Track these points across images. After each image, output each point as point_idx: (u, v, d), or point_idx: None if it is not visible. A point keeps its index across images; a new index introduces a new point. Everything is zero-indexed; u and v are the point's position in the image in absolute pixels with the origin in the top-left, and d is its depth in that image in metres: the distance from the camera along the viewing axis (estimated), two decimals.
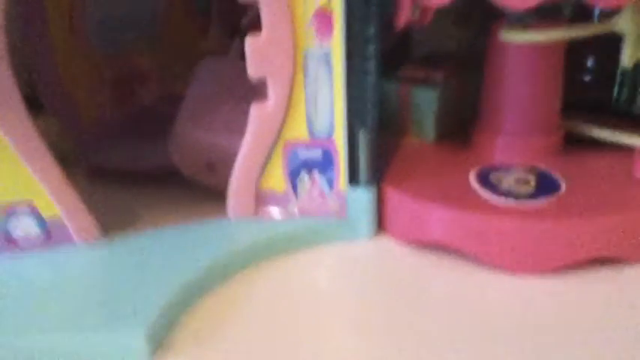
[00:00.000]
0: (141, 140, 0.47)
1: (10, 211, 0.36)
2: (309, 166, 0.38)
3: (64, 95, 0.44)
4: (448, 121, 0.46)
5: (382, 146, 0.43)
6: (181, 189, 0.43)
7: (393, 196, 0.39)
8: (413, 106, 0.45)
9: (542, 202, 0.36)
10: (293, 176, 0.39)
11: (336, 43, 0.34)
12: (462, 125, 0.45)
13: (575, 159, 0.42)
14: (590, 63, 0.49)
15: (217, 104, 0.41)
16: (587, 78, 0.49)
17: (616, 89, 0.49)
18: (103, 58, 0.48)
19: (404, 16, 0.35)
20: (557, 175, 0.39)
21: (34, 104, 0.44)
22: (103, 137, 0.47)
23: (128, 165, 0.45)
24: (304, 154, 0.38)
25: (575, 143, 0.43)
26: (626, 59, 0.35)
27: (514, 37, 0.37)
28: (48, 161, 0.34)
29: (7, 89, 0.32)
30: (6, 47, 0.31)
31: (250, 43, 0.34)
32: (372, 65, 0.35)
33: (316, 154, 0.38)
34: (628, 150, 0.40)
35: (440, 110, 0.44)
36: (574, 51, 0.41)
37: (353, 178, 0.38)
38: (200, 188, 0.42)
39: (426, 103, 0.44)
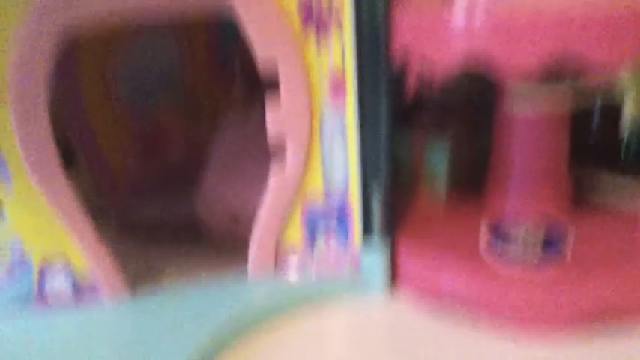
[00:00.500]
0: (168, 195, 0.49)
1: (44, 267, 0.38)
2: (325, 221, 0.40)
3: (96, 151, 0.47)
4: (460, 175, 0.47)
5: (396, 200, 0.45)
6: (206, 243, 0.45)
7: (406, 251, 0.40)
8: (425, 160, 0.47)
9: (550, 260, 0.37)
10: (310, 231, 0.40)
11: (350, 108, 0.37)
12: (474, 179, 0.46)
13: (584, 213, 0.43)
14: (595, 119, 0.50)
15: (241, 159, 0.43)
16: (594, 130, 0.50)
17: (624, 142, 0.50)
18: (133, 115, 0.51)
19: (413, 79, 0.37)
20: (565, 231, 0.40)
21: (69, 159, 0.47)
22: (133, 192, 0.50)
23: (156, 220, 0.48)
24: (321, 212, 0.40)
25: (584, 197, 0.44)
26: (627, 115, 0.37)
27: (519, 109, 0.39)
28: (81, 217, 0.37)
29: (44, 145, 0.34)
30: (46, 107, 0.34)
31: (270, 109, 0.36)
32: (383, 126, 0.37)
33: (332, 210, 0.40)
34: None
35: (452, 165, 0.46)
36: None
37: (367, 234, 0.40)
38: (223, 242, 0.44)
39: (438, 157, 0.46)
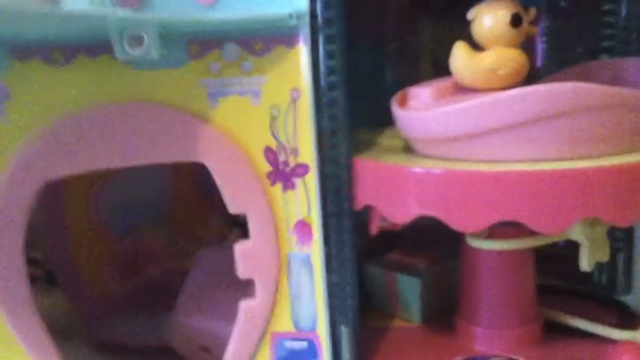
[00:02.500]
0: (144, 314, 0.50)
1: None
2: (295, 356, 0.41)
3: (73, 271, 0.49)
4: (434, 303, 0.48)
5: (368, 328, 0.46)
6: None
7: None
8: (398, 291, 0.48)
9: None
10: None
11: (315, 248, 0.39)
12: (449, 306, 0.47)
13: (555, 349, 0.43)
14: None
15: (213, 292, 0.44)
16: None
17: (595, 275, 0.51)
18: (112, 236, 0.52)
19: (375, 225, 0.39)
20: None
21: (51, 280, 0.48)
22: (108, 311, 0.51)
23: (130, 340, 0.48)
24: (290, 345, 0.40)
25: (555, 330, 0.44)
26: (585, 264, 0.38)
27: (480, 245, 0.41)
28: (51, 352, 0.37)
29: (18, 285, 0.36)
30: (22, 252, 0.36)
31: (239, 248, 0.38)
32: (349, 266, 0.39)
33: (302, 345, 0.40)
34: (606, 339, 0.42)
35: (424, 296, 0.47)
36: None
37: None
38: None
39: (410, 290, 0.47)
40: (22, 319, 0.36)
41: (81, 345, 0.45)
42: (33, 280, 0.51)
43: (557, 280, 0.52)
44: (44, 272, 0.51)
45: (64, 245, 0.48)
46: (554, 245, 0.48)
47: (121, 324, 0.50)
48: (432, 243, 0.50)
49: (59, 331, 0.40)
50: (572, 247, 0.39)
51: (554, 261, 0.49)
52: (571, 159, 0.35)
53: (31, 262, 0.51)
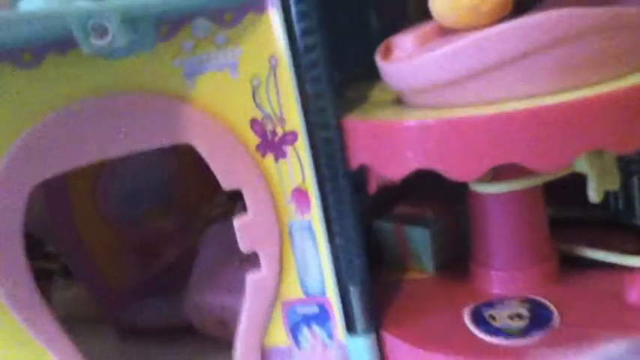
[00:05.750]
0: (164, 297, 0.51)
1: None
2: (308, 320, 0.41)
3: (88, 263, 0.49)
4: (447, 252, 0.48)
5: (382, 283, 0.46)
6: (200, 341, 0.47)
7: (392, 341, 0.41)
8: (409, 244, 0.47)
9: (534, 339, 0.37)
10: (294, 331, 0.41)
11: (315, 214, 0.38)
12: (462, 253, 0.47)
13: (570, 283, 0.42)
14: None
15: (224, 265, 0.45)
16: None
17: (612, 202, 0.50)
18: (124, 227, 0.53)
19: (373, 184, 0.38)
20: (550, 306, 0.40)
21: (68, 272, 0.49)
22: (128, 298, 0.52)
23: (153, 323, 0.49)
24: (302, 310, 0.41)
25: (572, 262, 0.43)
26: (593, 195, 0.37)
27: (484, 189, 0.40)
28: (63, 343, 0.38)
29: (22, 282, 0.36)
30: (21, 246, 0.36)
31: (239, 223, 0.38)
32: (352, 227, 0.39)
33: (313, 309, 0.41)
34: (624, 268, 0.41)
35: (435, 246, 0.46)
36: None
37: (351, 329, 0.41)
38: (216, 341, 0.45)
39: (420, 241, 0.46)
40: (31, 315, 0.37)
41: (106, 334, 0.46)
42: (50, 274, 0.52)
43: (573, 210, 0.51)
44: (60, 266, 0.52)
45: (77, 241, 0.49)
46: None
47: (142, 309, 0.51)
48: (440, 191, 0.49)
49: (82, 321, 0.41)
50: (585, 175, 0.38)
51: (569, 190, 0.48)
52: (566, 90, 0.33)
53: (46, 256, 0.53)
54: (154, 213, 0.55)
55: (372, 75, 0.42)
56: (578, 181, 0.41)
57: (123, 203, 0.53)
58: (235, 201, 0.47)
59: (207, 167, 0.38)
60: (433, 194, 0.49)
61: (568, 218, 0.50)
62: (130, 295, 0.52)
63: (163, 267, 0.55)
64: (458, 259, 0.47)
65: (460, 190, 0.44)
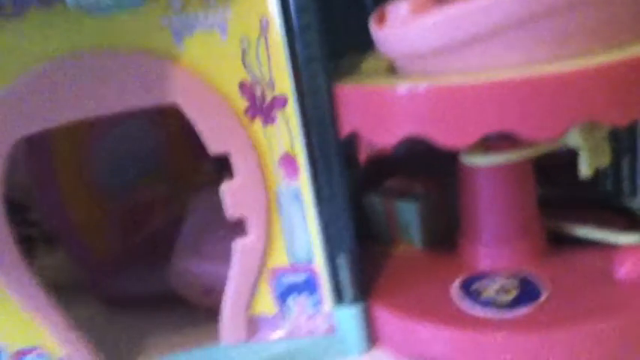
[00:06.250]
0: (149, 266, 0.50)
1: (19, 355, 0.39)
2: (295, 289, 0.41)
3: (72, 232, 0.48)
4: (435, 228, 0.47)
5: (371, 256, 0.46)
6: (185, 310, 0.46)
7: (380, 312, 0.41)
8: (398, 218, 0.47)
9: (522, 311, 0.37)
10: (281, 300, 0.41)
11: (303, 181, 0.38)
12: (450, 229, 0.47)
13: (559, 259, 0.42)
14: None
15: (210, 233, 0.44)
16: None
17: (600, 181, 0.50)
18: (109, 195, 0.52)
19: (364, 153, 0.38)
20: (539, 281, 0.40)
21: (49, 241, 0.48)
22: (113, 266, 0.51)
23: (137, 291, 0.49)
24: (289, 279, 0.40)
25: (561, 240, 0.43)
26: (585, 170, 0.37)
27: (474, 161, 0.39)
28: (49, 307, 0.38)
29: (4, 245, 0.36)
30: (2, 205, 0.35)
31: (226, 188, 0.37)
32: (341, 195, 0.38)
33: (300, 278, 0.40)
34: (612, 246, 0.41)
35: (424, 220, 0.46)
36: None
37: (339, 298, 0.40)
38: (200, 312, 0.45)
39: (409, 215, 0.46)
40: (15, 279, 0.37)
41: (88, 300, 0.45)
42: (31, 240, 0.52)
43: (561, 189, 0.51)
44: (42, 232, 0.51)
45: (61, 209, 0.48)
46: (556, 153, 0.47)
47: (127, 277, 0.50)
48: (430, 168, 0.49)
49: (64, 288, 0.40)
50: (575, 154, 0.37)
51: (557, 170, 0.48)
52: (561, 59, 0.33)
53: (27, 222, 0.52)
54: (140, 181, 0.54)
55: (366, 48, 0.42)
56: (567, 162, 0.41)
57: (108, 171, 0.52)
58: (222, 170, 0.46)
59: (194, 136, 0.37)
60: (423, 171, 0.49)
61: (557, 199, 0.49)
62: (114, 263, 0.51)
63: (148, 236, 0.54)
64: (446, 235, 0.47)
65: (450, 168, 0.43)
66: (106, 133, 0.51)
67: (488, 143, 0.39)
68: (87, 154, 0.50)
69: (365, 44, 0.41)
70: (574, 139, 0.36)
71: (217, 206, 0.44)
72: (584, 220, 0.44)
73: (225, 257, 0.41)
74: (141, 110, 0.52)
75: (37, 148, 0.46)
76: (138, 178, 0.54)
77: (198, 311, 0.45)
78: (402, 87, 0.34)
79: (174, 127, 0.56)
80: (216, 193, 0.45)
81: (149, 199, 0.54)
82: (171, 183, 0.55)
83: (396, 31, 0.36)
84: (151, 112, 0.55)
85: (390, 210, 0.47)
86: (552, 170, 0.48)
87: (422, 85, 0.33)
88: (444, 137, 0.33)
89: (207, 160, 0.50)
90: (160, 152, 0.56)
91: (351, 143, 0.39)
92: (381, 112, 0.35)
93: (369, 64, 0.43)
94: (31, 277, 0.37)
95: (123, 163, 0.52)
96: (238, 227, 0.40)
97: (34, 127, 0.34)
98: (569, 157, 0.39)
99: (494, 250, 0.42)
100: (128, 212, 0.53)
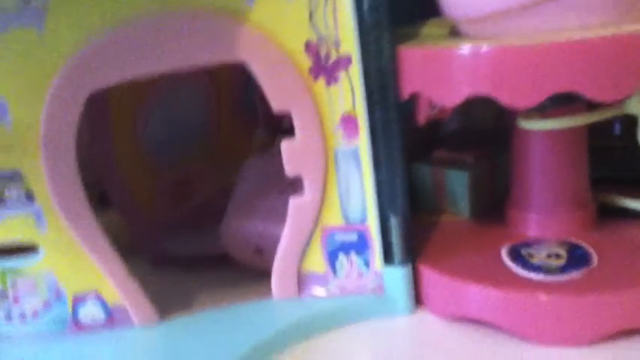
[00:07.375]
0: (197, 230, 0.52)
1: (80, 300, 0.41)
2: (346, 248, 0.42)
3: (127, 196, 0.50)
4: (483, 198, 0.48)
5: (418, 224, 0.46)
6: (233, 271, 0.48)
7: (428, 273, 0.41)
8: (446, 187, 0.48)
9: (572, 276, 0.38)
10: (332, 258, 0.42)
11: (363, 142, 0.38)
12: (497, 201, 0.47)
13: (608, 231, 0.43)
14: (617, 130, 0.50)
15: (262, 195, 0.45)
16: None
17: None
18: (161, 165, 0.54)
19: (423, 114, 0.39)
20: (588, 248, 0.40)
21: (103, 202, 0.50)
22: (163, 230, 0.53)
23: (186, 253, 0.50)
24: (341, 238, 0.41)
25: (609, 214, 0.44)
26: None
27: (532, 126, 0.40)
28: (111, 254, 0.40)
29: (74, 191, 0.38)
30: (74, 157, 0.37)
31: (285, 146, 0.38)
32: (397, 157, 0.39)
33: (352, 237, 0.41)
34: None
35: (473, 190, 0.47)
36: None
37: (388, 258, 0.41)
38: (250, 270, 0.46)
39: (458, 184, 0.47)
40: (82, 226, 0.38)
41: (139, 261, 0.46)
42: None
43: (611, 172, 0.51)
44: (96, 194, 0.52)
45: (115, 169, 0.50)
46: (609, 139, 0.47)
47: (177, 240, 0.52)
48: (479, 142, 0.50)
49: (117, 248, 0.41)
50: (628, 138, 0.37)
51: (609, 155, 0.48)
52: (623, 23, 0.33)
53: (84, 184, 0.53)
54: (190, 152, 0.56)
55: (427, 17, 0.42)
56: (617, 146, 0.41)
57: (160, 138, 0.53)
58: (274, 137, 0.48)
59: (244, 107, 0.38)
60: (473, 143, 0.49)
61: (606, 178, 0.49)
62: (165, 227, 0.53)
63: (197, 205, 0.55)
64: (493, 207, 0.47)
65: (501, 142, 0.44)
66: (159, 95, 0.53)
67: (544, 110, 0.40)
68: (142, 118, 0.52)
69: (426, 14, 0.42)
70: (633, 106, 0.36)
71: (269, 171, 0.45)
72: (633, 194, 0.44)
73: (278, 217, 0.42)
74: (196, 79, 0.54)
75: (96, 112, 0.48)
76: (188, 153, 0.55)
77: (248, 272, 0.46)
78: (465, 47, 0.35)
79: (226, 100, 0.57)
80: (267, 158, 0.46)
81: (198, 174, 0.55)
82: (222, 154, 0.57)
83: None
84: (204, 82, 0.57)
85: (439, 179, 0.48)
86: (604, 154, 0.48)
87: (486, 46, 0.34)
88: (509, 97, 0.33)
89: (259, 128, 0.51)
90: (209, 126, 0.57)
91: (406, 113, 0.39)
92: (444, 72, 0.36)
93: (430, 29, 0.43)
94: (99, 229, 0.39)
95: (174, 132, 0.54)
96: (291, 189, 0.41)
97: (109, 80, 0.36)
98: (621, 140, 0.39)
99: (544, 217, 0.43)
100: (179, 182, 0.54)
